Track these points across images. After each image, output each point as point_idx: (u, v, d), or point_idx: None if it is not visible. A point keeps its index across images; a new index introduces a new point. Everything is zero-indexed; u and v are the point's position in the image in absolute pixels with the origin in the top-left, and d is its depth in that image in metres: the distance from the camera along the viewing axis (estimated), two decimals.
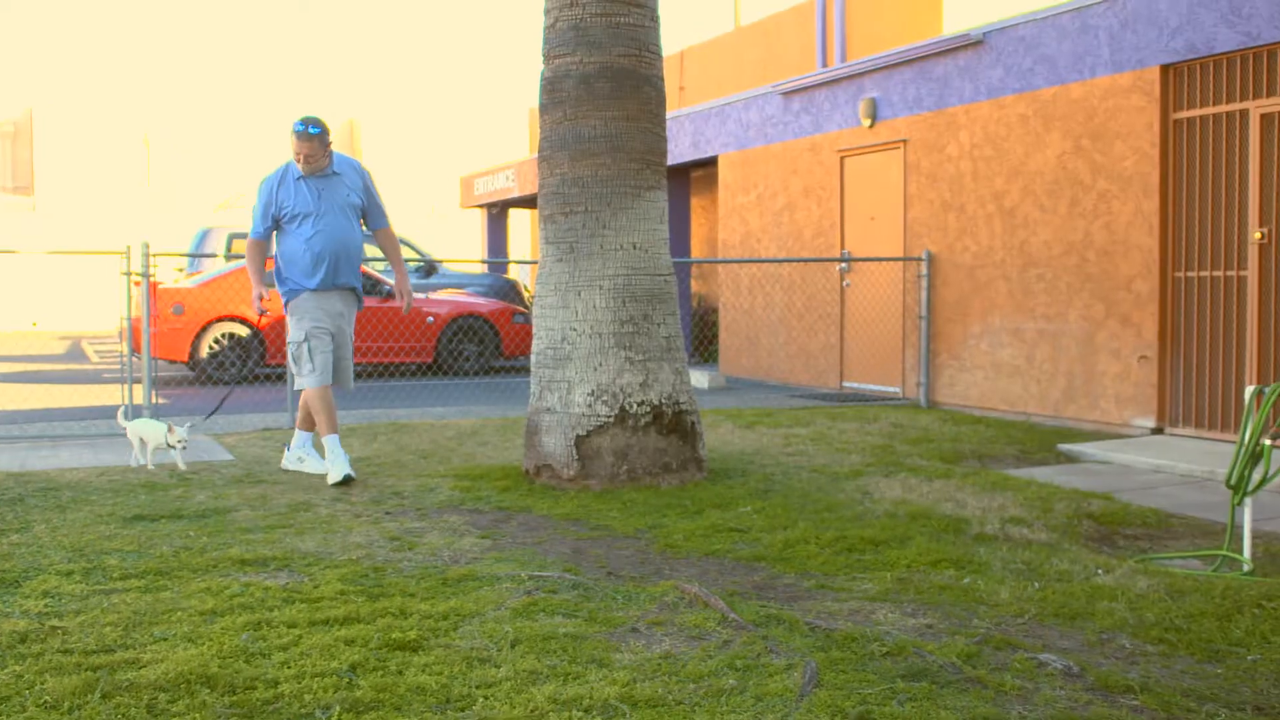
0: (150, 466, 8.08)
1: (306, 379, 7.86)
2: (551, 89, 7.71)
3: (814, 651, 4.03)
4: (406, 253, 20.56)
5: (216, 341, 15.26)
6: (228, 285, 15.29)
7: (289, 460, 8.22)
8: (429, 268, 19.67)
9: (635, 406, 7.45)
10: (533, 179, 22.47)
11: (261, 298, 7.87)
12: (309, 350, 7.83)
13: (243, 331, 15.31)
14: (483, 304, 17.09)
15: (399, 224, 35.64)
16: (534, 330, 7.86)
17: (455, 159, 38.58)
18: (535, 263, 8.50)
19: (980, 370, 12.00)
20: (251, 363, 15.34)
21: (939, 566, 5.43)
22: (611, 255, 7.50)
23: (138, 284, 10.72)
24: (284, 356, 13.65)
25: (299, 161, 7.71)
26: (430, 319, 16.21)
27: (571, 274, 7.55)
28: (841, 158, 14.13)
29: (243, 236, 20.01)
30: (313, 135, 7.65)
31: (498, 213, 28.29)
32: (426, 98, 42.79)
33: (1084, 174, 10.72)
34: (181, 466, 8.03)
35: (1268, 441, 5.78)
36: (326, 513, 6.61)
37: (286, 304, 7.92)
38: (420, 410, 12.00)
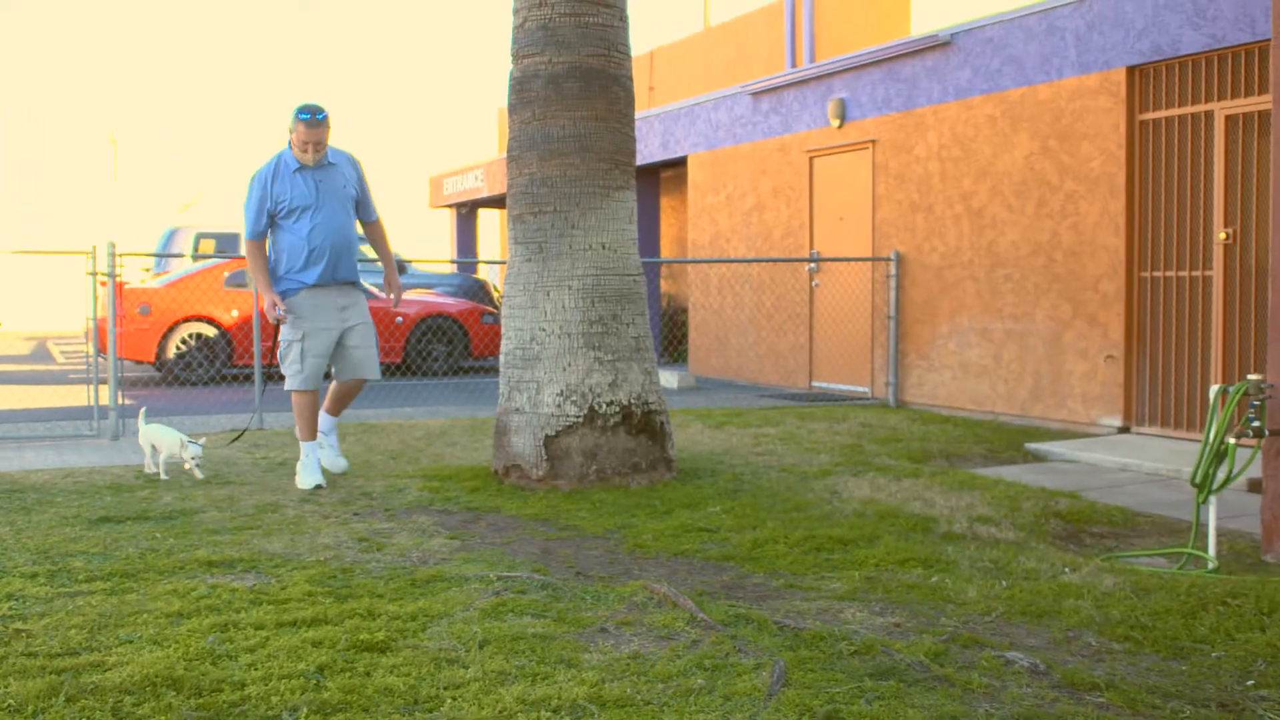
0: (164, 475, 7.72)
1: (292, 380, 7.59)
2: (520, 89, 7.70)
3: (782, 651, 4.03)
4: (374, 252, 20.47)
5: (184, 342, 15.18)
6: (195, 285, 15.21)
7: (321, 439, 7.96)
8: (397, 267, 19.59)
9: (604, 406, 7.44)
10: (502, 179, 22.44)
11: (275, 305, 7.47)
12: (301, 351, 7.55)
13: (210, 332, 15.23)
14: (452, 304, 17.05)
15: None
16: (503, 330, 7.84)
17: (424, 159, 38.50)
18: (504, 263, 8.46)
19: (948, 370, 12.05)
20: (219, 363, 15.26)
21: (907, 565, 5.45)
22: (580, 255, 7.50)
23: (104, 284, 10.65)
24: (251, 357, 13.59)
25: (306, 151, 7.42)
26: (399, 319, 16.16)
27: (540, 274, 7.54)
28: (810, 158, 14.16)
29: (210, 236, 19.93)
30: (321, 121, 7.39)
31: (467, 212, 28.24)
32: (395, 97, 42.66)
33: (1051, 175, 10.78)
34: (164, 476, 7.72)
35: (1232, 440, 5.83)
36: (294, 514, 6.58)
37: (284, 303, 7.60)
38: (389, 411, 11.96)
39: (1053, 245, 10.78)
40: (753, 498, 7.08)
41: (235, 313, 15.26)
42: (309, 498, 7.11)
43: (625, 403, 7.51)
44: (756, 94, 15.16)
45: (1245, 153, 9.26)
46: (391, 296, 8.02)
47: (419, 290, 18.92)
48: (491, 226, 32.97)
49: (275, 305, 7.48)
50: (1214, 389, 6.01)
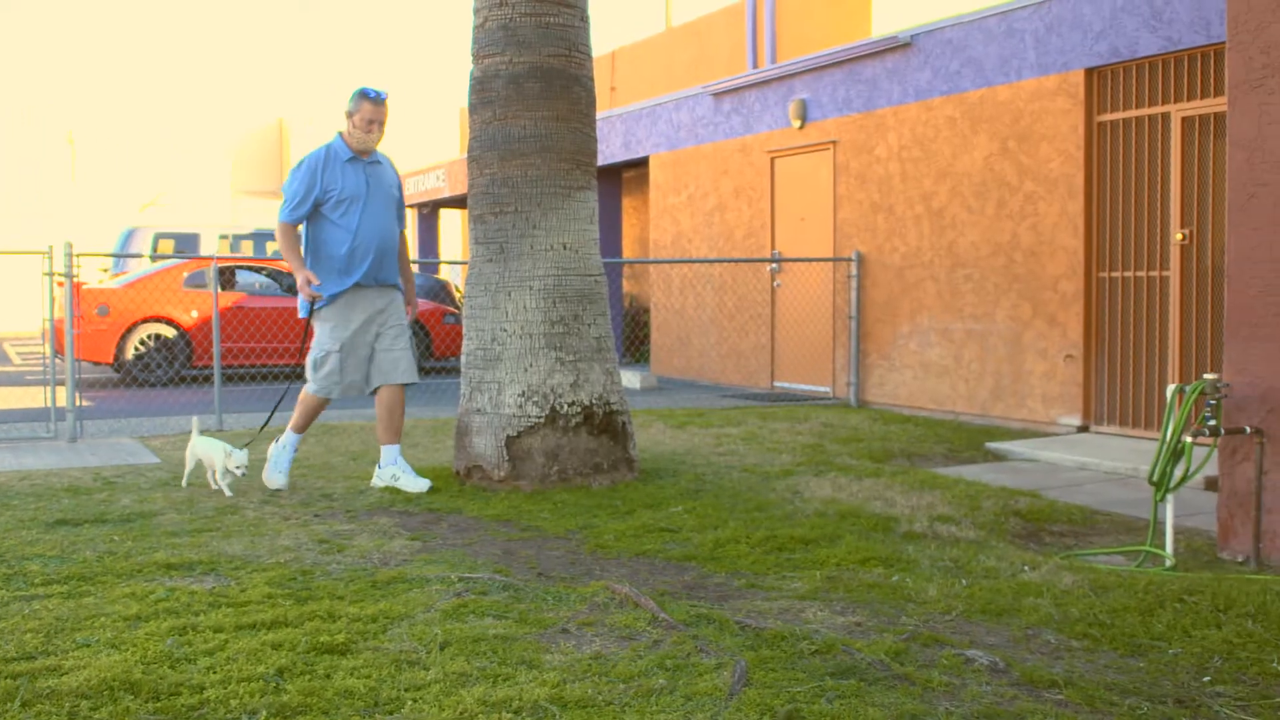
0: (228, 492, 7.14)
1: (322, 388, 7.32)
2: (481, 89, 7.68)
3: (744, 650, 4.04)
4: None
5: (142, 343, 15.06)
6: (153, 286, 15.09)
7: (381, 478, 7.47)
8: None
9: (566, 407, 7.43)
10: (463, 179, 22.38)
11: (310, 281, 7.08)
12: (339, 362, 7.27)
13: (169, 332, 15.12)
14: None
15: None
16: (464, 331, 7.82)
17: None
18: (466, 263, 8.43)
19: (909, 370, 12.10)
20: (178, 364, 15.14)
21: (868, 565, 5.47)
22: (541, 255, 7.48)
23: (61, 284, 10.55)
24: (210, 358, 13.50)
25: (371, 132, 7.21)
26: None
27: (501, 274, 7.52)
28: (772, 158, 14.20)
29: (169, 236, 19.79)
30: (385, 100, 7.22)
31: (428, 213, 28.16)
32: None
33: (1011, 175, 10.85)
34: (228, 494, 7.16)
35: (1189, 439, 5.88)
36: (254, 516, 6.54)
37: (319, 309, 7.28)
38: (350, 411, 11.90)
39: (1012, 246, 10.85)
40: (714, 498, 7.09)
41: (195, 313, 15.16)
42: (269, 499, 7.06)
43: (587, 403, 7.51)
44: (718, 94, 15.18)
45: (1201, 154, 9.35)
46: (409, 311, 7.66)
47: None
48: (453, 227, 32.90)
49: (309, 282, 7.11)
50: (1171, 388, 6.06)
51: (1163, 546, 5.95)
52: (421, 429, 10.39)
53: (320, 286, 7.20)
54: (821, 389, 13.47)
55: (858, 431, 10.27)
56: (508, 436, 7.41)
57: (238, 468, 7.11)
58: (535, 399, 7.40)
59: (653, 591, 4.89)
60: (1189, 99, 9.46)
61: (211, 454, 7.25)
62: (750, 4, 18.36)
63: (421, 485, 7.34)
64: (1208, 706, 3.67)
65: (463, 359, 7.82)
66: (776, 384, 14.22)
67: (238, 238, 20.29)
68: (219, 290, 13.27)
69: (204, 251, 19.33)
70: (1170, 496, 5.97)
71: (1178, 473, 5.94)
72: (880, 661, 3.94)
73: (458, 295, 21.15)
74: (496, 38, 7.57)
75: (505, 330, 7.49)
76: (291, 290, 16.10)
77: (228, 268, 16.28)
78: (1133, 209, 9.92)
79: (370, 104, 7.21)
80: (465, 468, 7.62)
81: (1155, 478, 5.96)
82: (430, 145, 38.58)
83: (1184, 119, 9.48)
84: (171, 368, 15.10)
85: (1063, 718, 3.51)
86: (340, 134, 7.35)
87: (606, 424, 7.59)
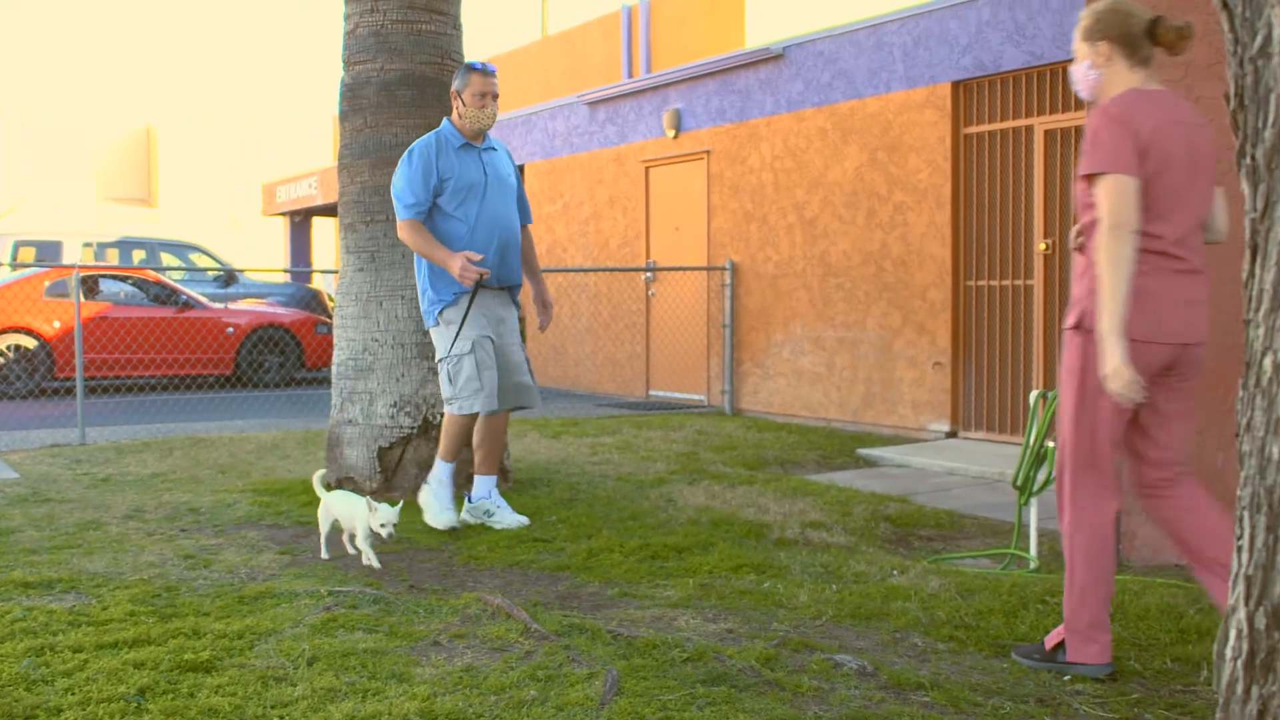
0: (374, 562, 5.68)
1: (470, 400, 6.39)
2: (352, 96, 7.59)
3: (616, 660, 4.04)
4: (205, 261, 20.04)
5: (1, 354, 14.60)
6: (13, 295, 14.64)
7: (471, 513, 6.63)
8: (228, 277, 19.21)
9: (439, 417, 7.37)
10: (335, 187, 22.12)
11: (469, 258, 6.19)
12: (476, 365, 6.37)
13: (29, 343, 14.68)
14: (284, 314, 16.73)
15: (196, 233, 34.73)
16: (335, 341, 7.71)
17: (257, 166, 37.74)
18: (338, 272, 8.31)
19: (783, 377, 12.23)
20: (39, 376, 14.72)
21: (740, 572, 5.51)
22: (414, 264, 7.41)
23: None
24: (73, 370, 13.14)
25: (484, 106, 6.47)
26: (230, 329, 15.79)
27: (373, 283, 7.44)
28: (646, 168, 14.26)
29: (30, 244, 19.23)
30: (494, 73, 6.52)
31: (300, 221, 27.77)
32: (227, 102, 41.77)
33: (880, 186, 11.02)
34: (374, 564, 5.69)
35: (1051, 444, 6.02)
36: (117, 531, 6.37)
37: (440, 312, 6.46)
38: (219, 424, 11.68)
39: (882, 255, 11.02)
40: (588, 507, 7.08)
41: (57, 323, 14.74)
42: (133, 514, 6.87)
43: None
44: (593, 104, 15.21)
45: (1064, 166, 9.60)
46: (544, 316, 6.92)
47: (251, 300, 18.55)
48: (326, 235, 32.49)
49: (469, 259, 6.22)
50: (1034, 394, 6.20)
51: (1027, 549, 6.08)
52: (292, 440, 10.23)
53: (439, 290, 6.47)
54: (696, 397, 13.55)
55: (732, 439, 10.35)
56: (380, 447, 7.33)
57: (383, 525, 5.56)
58: (408, 409, 7.33)
59: (525, 602, 4.87)
60: (1051, 112, 9.70)
61: (352, 512, 5.81)
62: (625, 14, 18.44)
63: (514, 520, 6.59)
64: (1068, 704, 3.76)
65: (334, 369, 7.72)
66: (652, 392, 14.27)
67: (102, 246, 19.80)
68: (82, 300, 12.92)
69: (67, 260, 18.82)
70: (1034, 500, 6.10)
71: (1041, 477, 6.08)
72: (751, 668, 3.97)
73: (330, 305, 20.89)
74: (368, 44, 7.50)
75: (377, 340, 7.41)
76: (158, 300, 15.76)
77: (91, 277, 15.85)
78: (998, 219, 10.15)
79: (480, 75, 6.47)
80: (337, 480, 7.51)
81: (1019, 482, 6.09)
82: (302, 152, 38.07)
83: (1046, 131, 9.73)
84: (32, 380, 14.66)
85: (928, 719, 3.57)
86: (448, 120, 6.62)
87: None
